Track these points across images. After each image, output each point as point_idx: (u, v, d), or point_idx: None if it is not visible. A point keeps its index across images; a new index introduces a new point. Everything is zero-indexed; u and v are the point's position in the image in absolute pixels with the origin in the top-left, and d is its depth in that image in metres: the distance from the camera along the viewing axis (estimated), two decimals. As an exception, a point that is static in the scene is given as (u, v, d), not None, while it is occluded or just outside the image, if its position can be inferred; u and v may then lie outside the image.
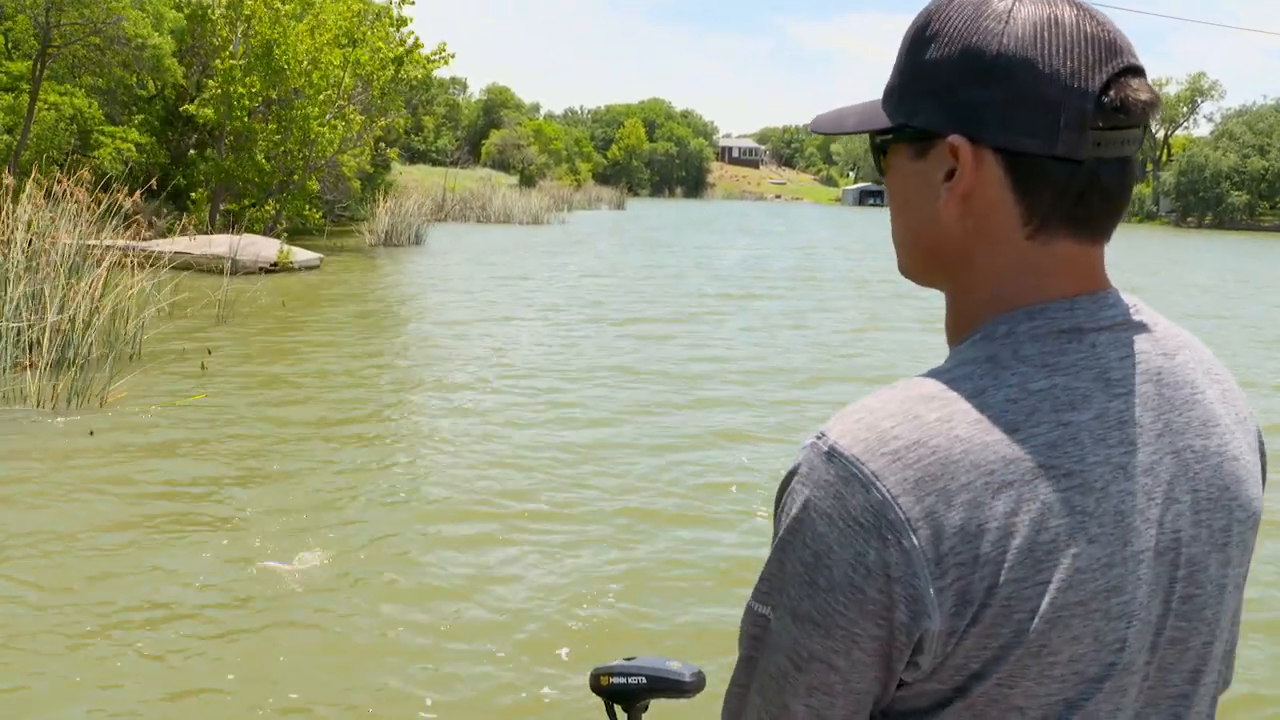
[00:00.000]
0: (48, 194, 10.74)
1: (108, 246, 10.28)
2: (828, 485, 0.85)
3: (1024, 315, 0.90)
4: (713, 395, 9.83)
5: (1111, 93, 0.86)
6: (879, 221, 65.52)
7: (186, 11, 24.46)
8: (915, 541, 0.81)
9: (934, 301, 1.13)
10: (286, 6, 23.20)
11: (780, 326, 14.89)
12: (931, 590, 0.81)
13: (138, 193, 10.84)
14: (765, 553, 0.91)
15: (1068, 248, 0.90)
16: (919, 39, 0.94)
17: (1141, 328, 0.93)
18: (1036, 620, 0.83)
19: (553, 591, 5.21)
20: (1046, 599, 0.82)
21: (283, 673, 4.24)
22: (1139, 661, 0.89)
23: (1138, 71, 0.89)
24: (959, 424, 0.84)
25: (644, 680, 1.38)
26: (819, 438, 0.87)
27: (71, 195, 10.74)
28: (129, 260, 10.65)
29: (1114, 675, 0.87)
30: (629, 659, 1.40)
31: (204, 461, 6.91)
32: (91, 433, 7.37)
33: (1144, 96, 0.87)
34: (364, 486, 6.64)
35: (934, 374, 0.90)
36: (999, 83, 0.88)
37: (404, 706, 4.06)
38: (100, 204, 11.04)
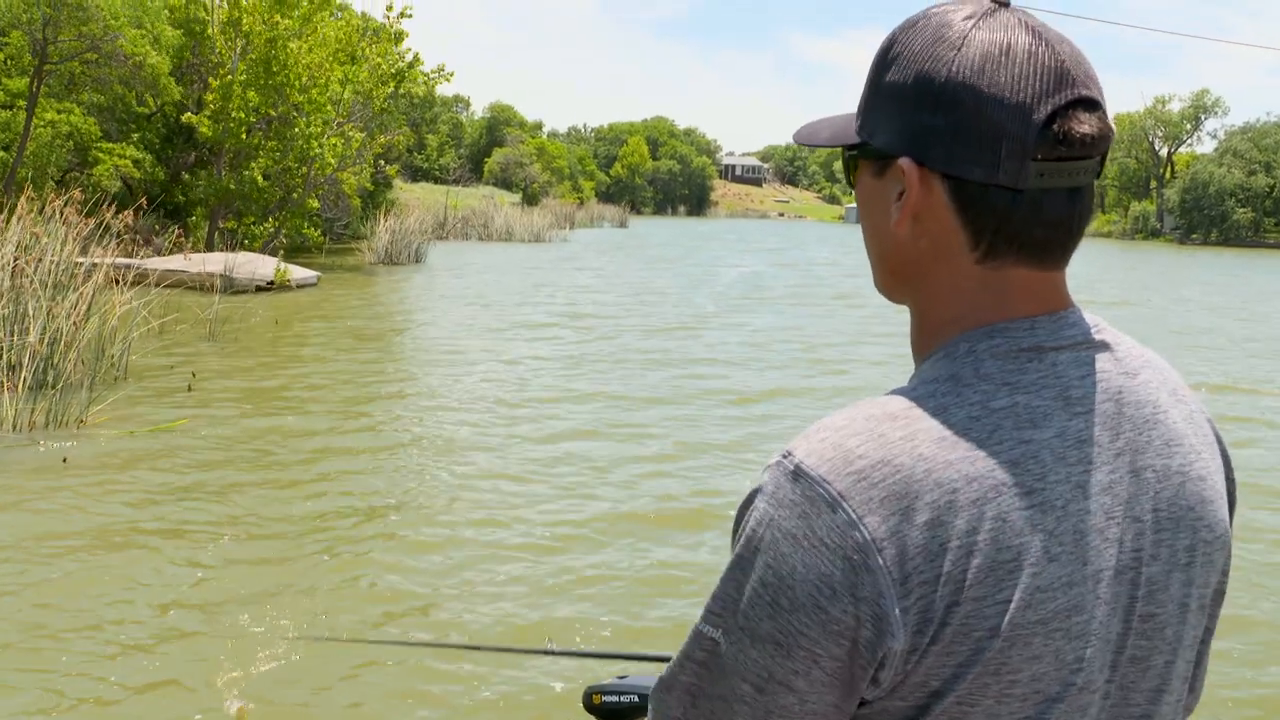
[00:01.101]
0: (40, 211, 10.49)
1: (94, 264, 9.98)
2: (793, 505, 0.84)
3: (984, 334, 0.91)
4: (708, 413, 9.53)
5: (1055, 125, 0.86)
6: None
7: (183, 29, 24.28)
8: (881, 561, 0.81)
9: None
10: (285, 23, 23.01)
11: (780, 343, 14.60)
12: (897, 610, 0.81)
13: (127, 212, 10.48)
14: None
15: (1020, 273, 0.91)
16: (883, 60, 0.96)
17: (1103, 347, 0.94)
18: (996, 639, 0.83)
19: (545, 606, 5.13)
20: (1007, 617, 0.83)
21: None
22: (1099, 680, 0.89)
23: (1089, 104, 0.88)
24: (922, 442, 0.85)
25: (635, 699, 1.36)
26: (784, 457, 0.87)
27: (62, 214, 10.46)
28: (120, 279, 10.38)
29: (1073, 694, 0.87)
30: (621, 677, 1.40)
31: (177, 494, 6.58)
32: (65, 460, 7.07)
33: (1087, 129, 0.87)
34: (347, 529, 6.33)
35: (898, 392, 0.91)
36: (946, 109, 0.89)
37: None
38: (94, 221, 10.80)
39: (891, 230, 0.95)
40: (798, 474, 0.85)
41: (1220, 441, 1.02)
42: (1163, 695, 0.94)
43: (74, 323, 8.55)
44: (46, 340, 8.49)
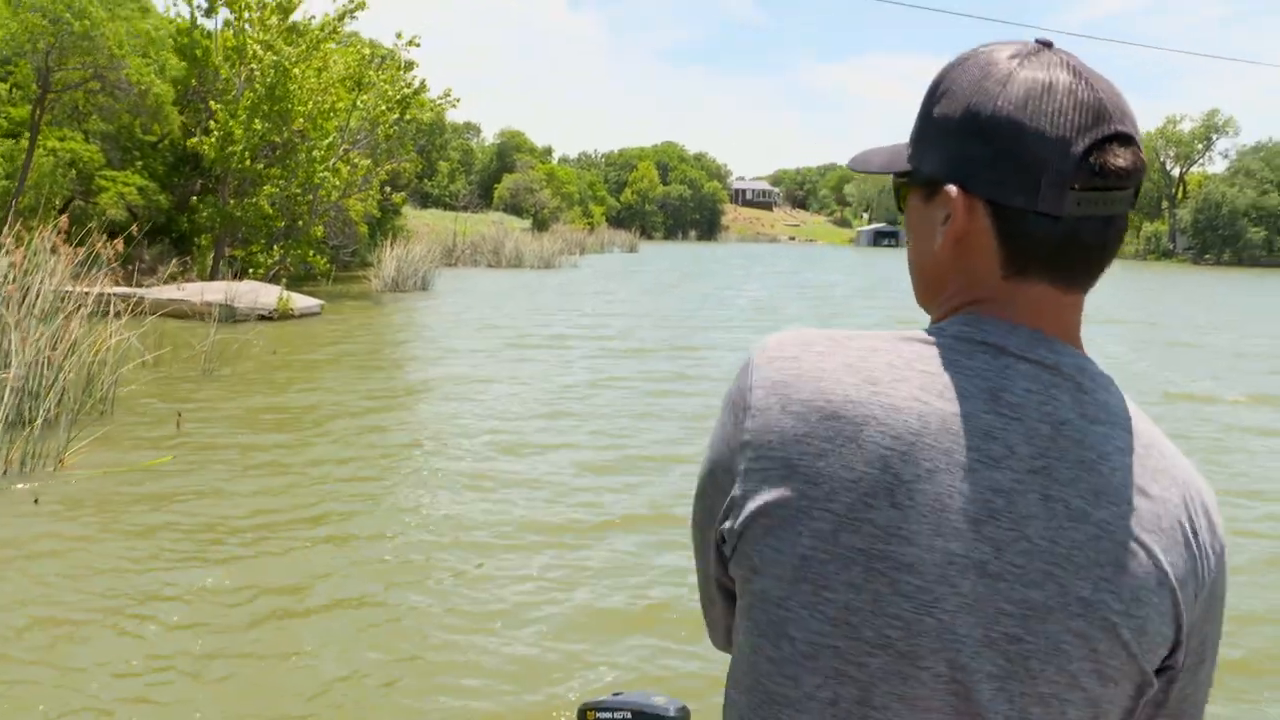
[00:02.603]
0: (27, 241, 10.19)
1: (83, 294, 9.66)
2: (742, 365, 1.02)
3: (964, 319, 0.98)
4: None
5: (1093, 157, 0.93)
6: (904, 262, 65.04)
7: (190, 55, 24.15)
8: (749, 423, 0.96)
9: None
10: (290, 50, 22.85)
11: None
12: (742, 465, 0.95)
13: (118, 240, 10.17)
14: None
15: (1042, 290, 0.97)
16: (933, 95, 1.03)
17: (1073, 385, 0.95)
18: (820, 544, 0.90)
19: (540, 623, 5.08)
20: (831, 526, 0.90)
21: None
22: (931, 661, 0.89)
23: (1124, 139, 0.94)
24: (833, 360, 0.96)
25: (629, 716, 1.37)
26: (766, 337, 1.03)
27: (53, 244, 10.16)
28: (118, 308, 10.07)
29: (892, 658, 0.89)
30: (616, 694, 1.41)
31: (154, 541, 6.19)
32: (36, 500, 6.71)
33: (1122, 163, 0.93)
34: (332, 589, 5.95)
35: (862, 331, 1.00)
36: (990, 141, 0.96)
37: None
38: (85, 250, 10.49)
39: (935, 251, 1.02)
40: (751, 350, 1.02)
41: (1205, 556, 0.96)
42: None
43: (48, 356, 8.17)
44: (28, 375, 8.13)
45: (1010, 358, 0.94)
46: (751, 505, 0.94)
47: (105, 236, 11.76)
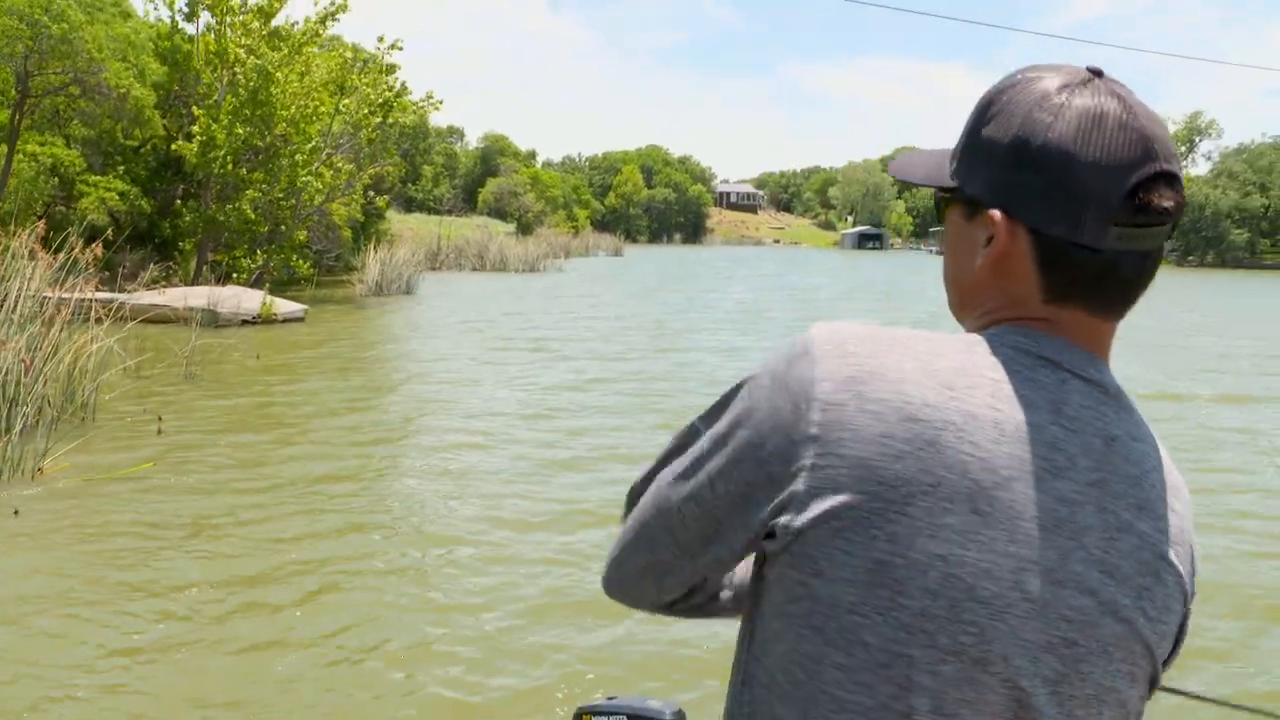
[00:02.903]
0: (3, 247, 10.07)
1: (62, 299, 9.55)
2: (787, 354, 0.98)
3: (1020, 331, 0.99)
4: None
5: (1139, 195, 0.94)
6: (888, 264, 65.17)
7: (171, 60, 23.97)
8: (817, 417, 0.92)
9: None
10: (273, 54, 22.71)
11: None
12: (809, 461, 0.92)
13: (96, 244, 10.03)
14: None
15: (1080, 316, 0.99)
16: (982, 115, 1.03)
17: (1116, 403, 0.98)
18: (896, 546, 0.89)
19: (534, 628, 5.00)
20: (907, 531, 0.89)
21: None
22: (1001, 668, 0.90)
23: (1169, 178, 0.95)
24: (908, 359, 0.94)
25: (625, 719, 1.36)
26: (811, 327, 1.00)
27: (30, 249, 10.04)
28: (99, 314, 9.96)
29: (965, 663, 0.89)
30: (610, 698, 1.41)
31: (135, 548, 6.10)
32: (16, 512, 6.60)
33: (1166, 203, 0.94)
34: (322, 588, 5.86)
35: (922, 330, 0.99)
36: (1038, 171, 0.96)
37: None
38: (76, 255, 10.37)
39: (974, 269, 1.04)
40: (806, 335, 0.98)
41: (1192, 559, 1.02)
42: None
43: (22, 361, 8.04)
44: (3, 381, 8.01)
45: (1066, 373, 0.97)
46: (820, 506, 0.91)
47: (85, 242, 11.64)
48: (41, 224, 10.11)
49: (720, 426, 1.00)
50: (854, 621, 0.90)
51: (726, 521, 0.99)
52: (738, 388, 1.01)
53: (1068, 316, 0.99)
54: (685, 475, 1.03)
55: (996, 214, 0.99)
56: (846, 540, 0.90)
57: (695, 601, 1.14)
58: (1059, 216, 0.95)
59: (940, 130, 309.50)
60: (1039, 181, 0.96)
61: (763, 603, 0.99)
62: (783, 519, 0.93)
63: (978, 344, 0.97)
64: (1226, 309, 33.12)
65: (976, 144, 1.03)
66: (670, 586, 1.10)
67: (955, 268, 1.08)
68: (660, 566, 1.08)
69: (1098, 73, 1.00)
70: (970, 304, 1.06)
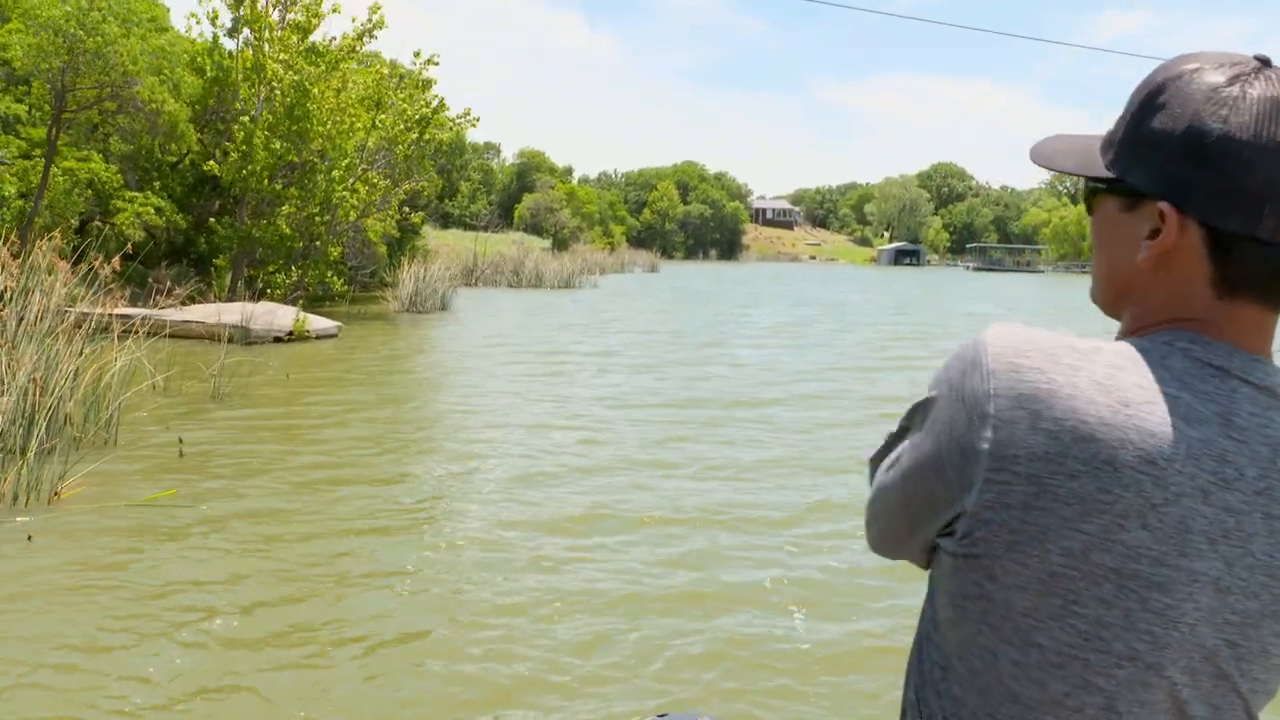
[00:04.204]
0: (24, 257, 9.77)
1: (83, 314, 9.22)
2: (965, 362, 0.99)
3: (1188, 337, 0.98)
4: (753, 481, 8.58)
5: None
6: (917, 281, 64.39)
7: (210, 75, 23.89)
8: (990, 434, 0.94)
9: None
10: (310, 69, 22.54)
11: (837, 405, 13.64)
12: (982, 476, 0.94)
13: (115, 259, 9.69)
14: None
15: (1250, 310, 0.98)
16: (1148, 104, 1.01)
17: None
18: (1071, 560, 0.91)
19: (585, 646, 4.78)
20: (1081, 547, 0.91)
21: None
22: (1176, 677, 0.94)
23: None
24: (1083, 375, 0.94)
25: None
26: (985, 331, 1.00)
27: (49, 263, 9.73)
28: (127, 329, 9.64)
29: (1139, 669, 0.93)
30: (661, 716, 1.39)
31: (155, 585, 5.66)
32: (30, 538, 6.22)
33: None
34: (354, 630, 5.43)
35: (1090, 339, 1.00)
36: (1214, 166, 0.95)
37: None
38: (96, 269, 10.05)
39: (1135, 261, 1.02)
40: (979, 343, 0.99)
41: None
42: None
43: (32, 379, 7.69)
44: (19, 400, 7.66)
45: (1235, 380, 0.97)
46: (993, 519, 0.94)
47: (123, 258, 11.35)
48: (58, 234, 9.77)
49: (915, 432, 1.05)
50: (1029, 624, 0.94)
51: (920, 518, 1.05)
52: (929, 400, 1.03)
53: (1238, 311, 0.98)
54: (890, 468, 1.10)
55: (1166, 207, 0.98)
56: (1021, 553, 0.93)
57: None
58: (1236, 211, 0.94)
59: (977, 145, 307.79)
60: (1215, 175, 0.95)
61: (940, 588, 1.04)
62: (960, 525, 0.97)
63: (1150, 354, 0.97)
64: None
65: (1141, 136, 1.01)
66: (910, 551, 1.12)
67: (1110, 261, 1.07)
68: (895, 534, 1.12)
69: (1266, 61, 0.98)
70: (1128, 299, 1.06)
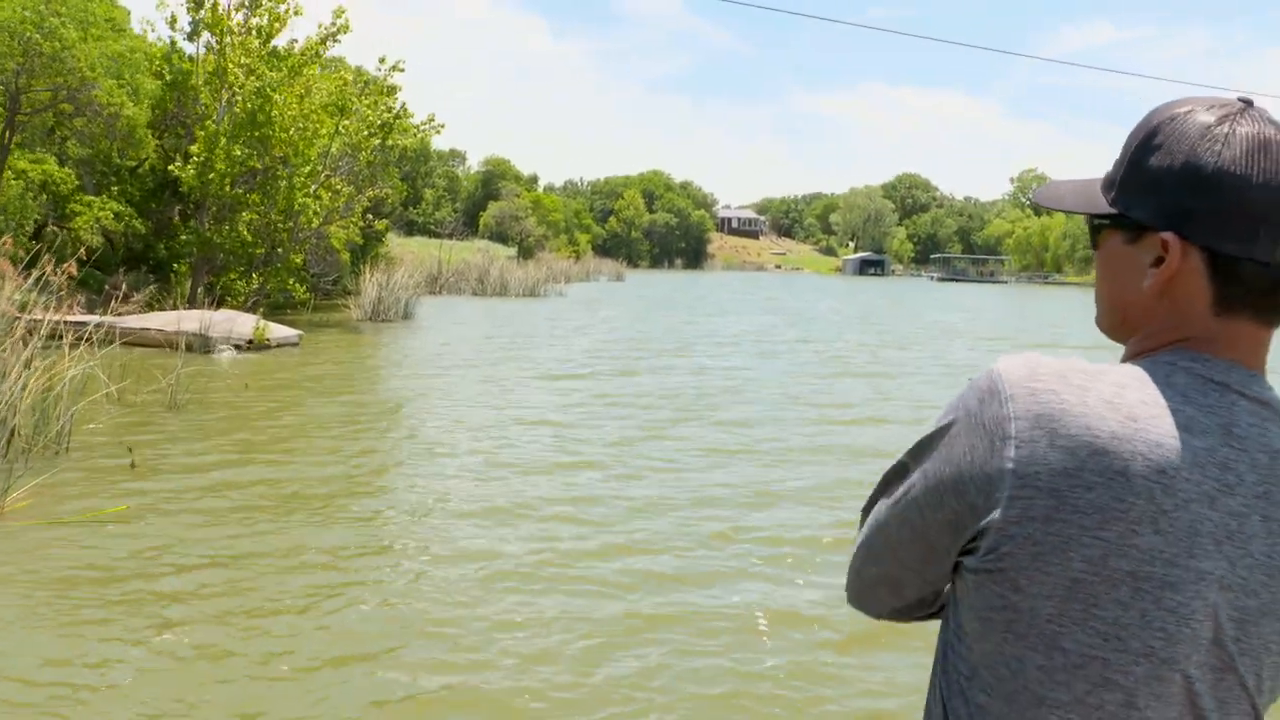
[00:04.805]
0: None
1: (34, 321, 8.98)
2: (980, 391, 1.06)
3: (1190, 356, 1.07)
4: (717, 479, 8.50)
5: None
6: (884, 291, 64.81)
7: (168, 79, 23.53)
8: (1012, 453, 1.01)
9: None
10: (272, 75, 22.25)
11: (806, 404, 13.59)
12: (1007, 493, 1.01)
13: (68, 264, 9.45)
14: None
15: (1247, 327, 1.08)
16: (1146, 145, 1.11)
17: (1277, 417, 1.06)
18: (1091, 566, 0.98)
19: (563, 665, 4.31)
20: (1101, 553, 0.98)
21: None
22: (1187, 667, 1.01)
23: None
24: (1092, 393, 1.01)
25: None
26: (996, 362, 1.08)
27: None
28: (79, 337, 9.39)
29: (1155, 664, 1.00)
30: None
31: (103, 607, 5.50)
32: (-30, 556, 6.02)
33: None
34: (309, 650, 5.27)
35: (1095, 362, 1.08)
36: (1212, 194, 1.05)
37: None
38: (48, 274, 9.81)
39: (1141, 289, 1.11)
40: (993, 373, 1.06)
41: None
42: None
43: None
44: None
45: (1234, 394, 1.05)
46: (1018, 532, 1.01)
47: (74, 262, 11.10)
48: (9, 239, 9.52)
49: (927, 463, 1.10)
50: (1053, 630, 1.01)
51: (938, 545, 1.10)
52: (942, 429, 1.09)
53: (1236, 329, 1.07)
54: (898, 503, 1.15)
55: (1169, 236, 1.07)
56: (1045, 562, 1.00)
57: (929, 611, 1.23)
58: (1233, 235, 1.04)
59: (941, 156, 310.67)
60: (1212, 202, 1.04)
61: (963, 603, 1.09)
62: (984, 542, 1.03)
63: (1154, 373, 1.06)
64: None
65: (1140, 173, 1.11)
66: (905, 595, 1.20)
67: (1116, 289, 1.16)
68: (890, 578, 1.19)
69: (1248, 102, 1.09)
70: (1134, 324, 1.14)
